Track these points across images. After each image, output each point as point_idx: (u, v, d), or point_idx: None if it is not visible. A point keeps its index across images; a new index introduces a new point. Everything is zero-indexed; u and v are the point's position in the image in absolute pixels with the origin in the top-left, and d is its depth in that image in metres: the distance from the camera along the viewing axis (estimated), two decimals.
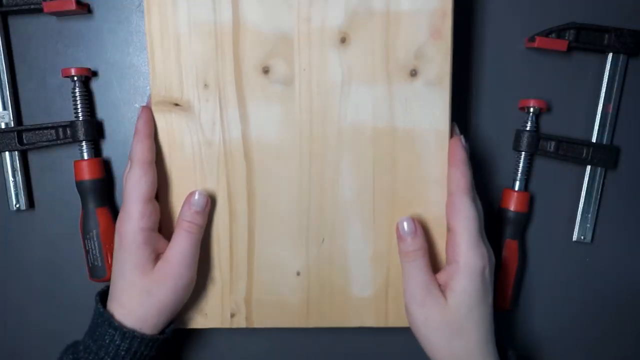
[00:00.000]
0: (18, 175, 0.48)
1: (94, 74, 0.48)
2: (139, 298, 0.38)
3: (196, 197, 0.40)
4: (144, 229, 0.38)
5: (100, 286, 0.49)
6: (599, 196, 0.49)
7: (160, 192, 0.42)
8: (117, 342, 0.38)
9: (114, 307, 0.39)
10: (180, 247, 0.39)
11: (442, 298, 0.38)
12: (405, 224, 0.40)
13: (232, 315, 0.44)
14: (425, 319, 0.38)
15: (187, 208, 0.40)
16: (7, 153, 0.47)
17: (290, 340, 0.50)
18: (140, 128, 0.40)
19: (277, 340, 0.50)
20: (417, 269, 0.39)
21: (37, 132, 0.47)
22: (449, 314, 0.38)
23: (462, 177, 0.39)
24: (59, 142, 0.47)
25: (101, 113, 0.49)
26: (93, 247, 0.46)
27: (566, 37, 0.47)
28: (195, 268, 0.40)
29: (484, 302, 0.39)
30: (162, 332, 0.40)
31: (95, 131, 0.47)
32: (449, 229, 0.40)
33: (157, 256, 0.39)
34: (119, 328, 0.38)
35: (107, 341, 0.38)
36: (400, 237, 0.40)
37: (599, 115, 0.48)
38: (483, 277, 0.38)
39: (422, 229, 0.40)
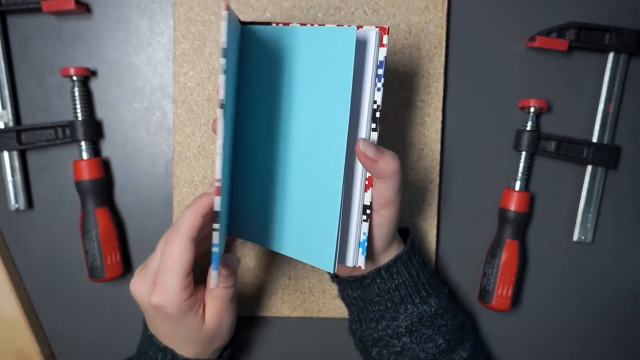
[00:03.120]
0: (17, 175, 0.47)
1: (93, 73, 0.48)
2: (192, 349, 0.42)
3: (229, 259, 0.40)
4: (186, 300, 0.38)
5: (99, 286, 0.49)
6: (599, 196, 0.49)
7: None
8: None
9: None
10: (219, 314, 0.41)
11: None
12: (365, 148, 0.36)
13: None
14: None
15: (221, 271, 0.39)
16: (6, 153, 0.47)
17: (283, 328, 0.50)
18: (199, 204, 0.38)
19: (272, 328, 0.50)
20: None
21: (36, 131, 0.47)
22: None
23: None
24: (58, 142, 0.47)
25: (100, 113, 0.48)
26: (92, 247, 0.46)
27: (567, 37, 0.47)
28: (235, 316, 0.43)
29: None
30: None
31: (95, 131, 0.47)
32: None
33: (200, 309, 0.40)
34: (165, 349, 0.41)
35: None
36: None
37: (600, 115, 0.48)
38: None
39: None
